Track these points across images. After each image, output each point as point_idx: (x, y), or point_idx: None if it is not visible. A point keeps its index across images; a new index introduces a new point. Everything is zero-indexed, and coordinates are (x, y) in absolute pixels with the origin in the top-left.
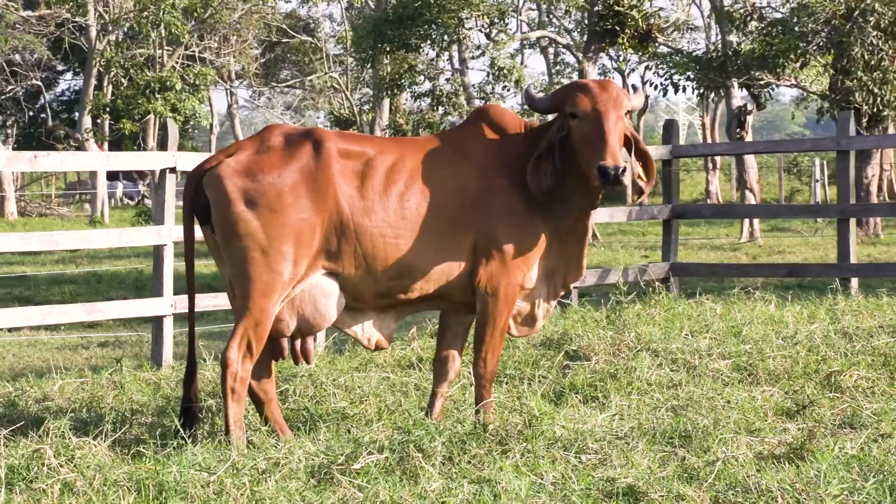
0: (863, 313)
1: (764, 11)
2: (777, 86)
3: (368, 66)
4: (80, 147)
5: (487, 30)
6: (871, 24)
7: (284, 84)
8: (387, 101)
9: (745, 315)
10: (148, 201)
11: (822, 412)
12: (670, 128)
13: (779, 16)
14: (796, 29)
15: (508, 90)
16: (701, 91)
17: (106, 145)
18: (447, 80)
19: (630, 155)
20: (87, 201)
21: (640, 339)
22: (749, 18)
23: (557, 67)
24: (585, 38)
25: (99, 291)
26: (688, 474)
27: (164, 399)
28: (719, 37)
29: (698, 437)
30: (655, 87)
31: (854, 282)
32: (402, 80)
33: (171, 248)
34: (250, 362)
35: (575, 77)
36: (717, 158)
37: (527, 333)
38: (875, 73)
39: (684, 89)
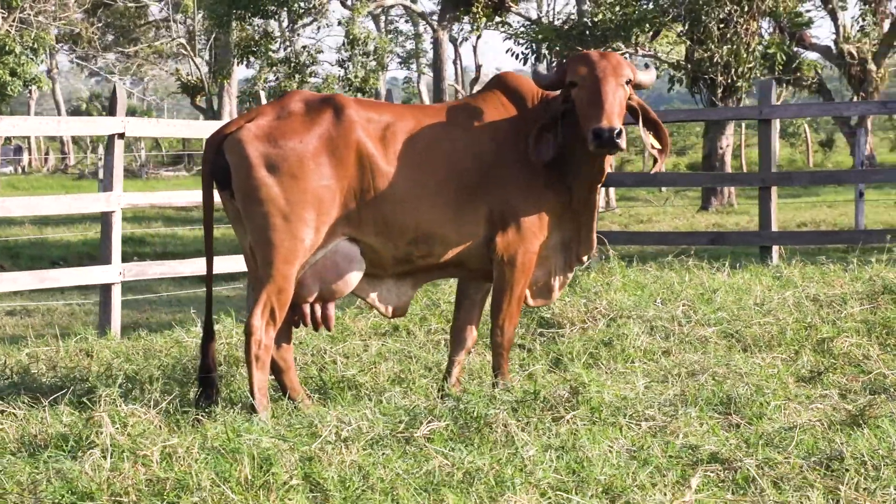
0: (821, 281)
1: None
2: (632, 55)
3: (219, 31)
4: None
5: None
6: None
7: (119, 50)
8: (238, 69)
9: (707, 282)
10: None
11: (835, 378)
12: None
13: None
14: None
15: (368, 57)
16: (561, 61)
17: None
18: (304, 47)
19: (639, 125)
20: None
21: (612, 306)
22: None
23: (391, 35)
24: (440, 6)
25: None
26: (763, 441)
27: (157, 368)
28: (550, 6)
29: (744, 405)
30: (517, 57)
31: (775, 249)
32: (258, 47)
33: (120, 214)
34: (273, 329)
35: (409, 46)
36: None
37: (543, 304)
38: (728, 46)
39: (545, 58)
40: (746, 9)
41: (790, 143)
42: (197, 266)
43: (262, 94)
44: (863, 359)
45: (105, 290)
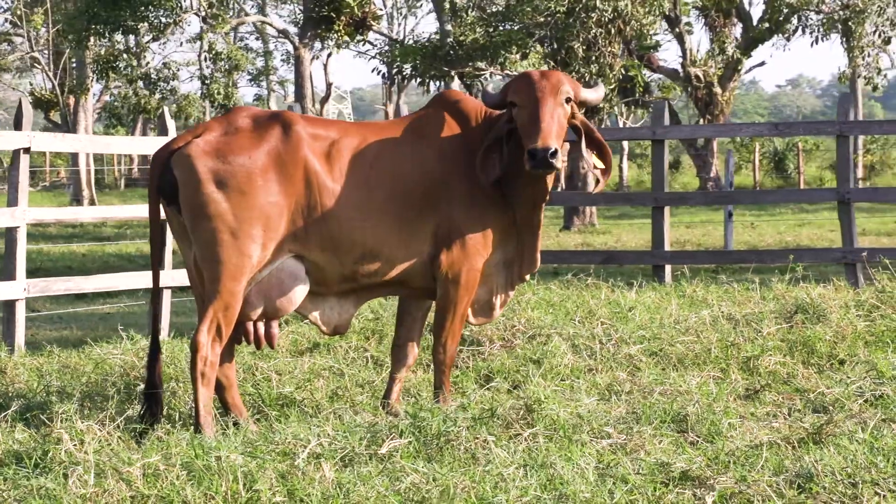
0: (728, 300)
1: (484, 3)
2: (493, 75)
3: (74, 46)
4: None
5: (205, 12)
6: (593, 19)
7: None
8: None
9: (620, 300)
10: None
11: (772, 397)
12: None
13: (500, 8)
14: (518, 22)
15: (225, 72)
16: (425, 80)
17: None
18: (164, 64)
19: (582, 145)
20: None
21: (531, 323)
22: (470, 9)
23: (241, 52)
24: (301, 24)
25: None
26: (729, 459)
27: (81, 384)
28: (401, 25)
29: (696, 422)
30: (382, 75)
31: (667, 269)
32: (117, 63)
33: (25, 229)
34: (219, 346)
35: (260, 63)
36: None
37: (483, 322)
38: (592, 67)
39: (410, 77)
40: (612, 31)
41: (637, 164)
42: (102, 282)
43: (167, 110)
44: (789, 377)
45: (9, 306)
